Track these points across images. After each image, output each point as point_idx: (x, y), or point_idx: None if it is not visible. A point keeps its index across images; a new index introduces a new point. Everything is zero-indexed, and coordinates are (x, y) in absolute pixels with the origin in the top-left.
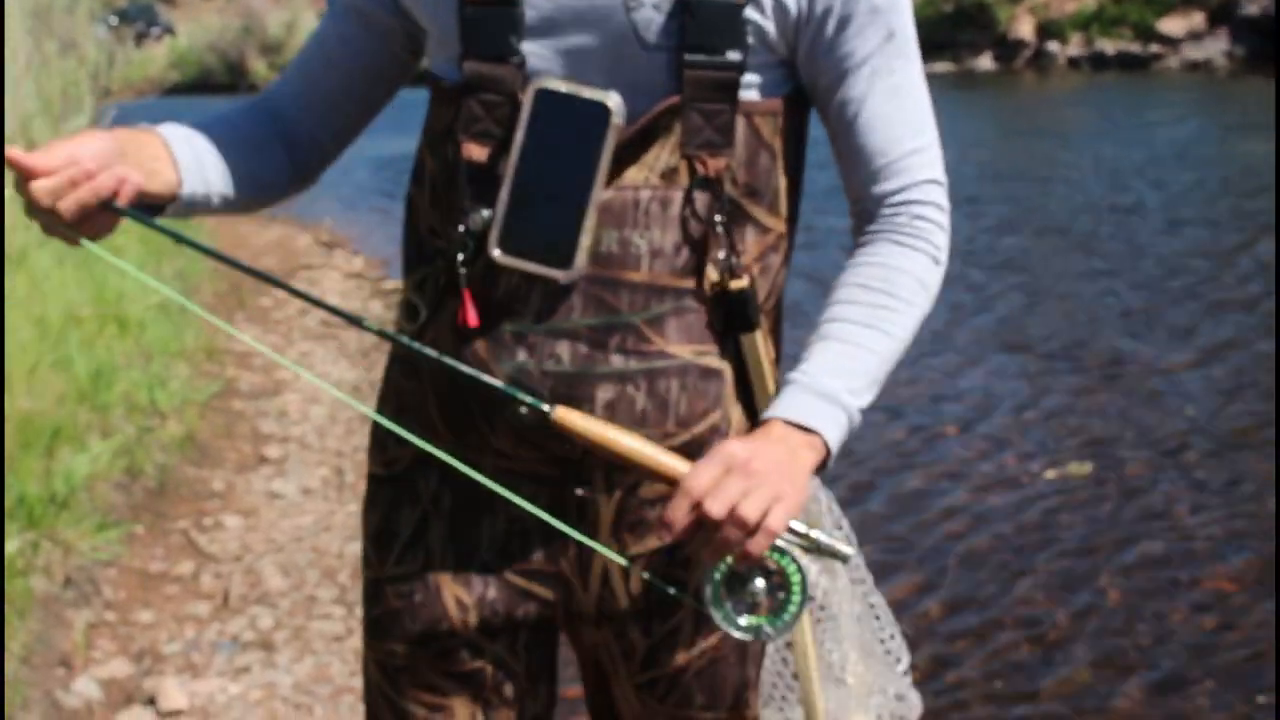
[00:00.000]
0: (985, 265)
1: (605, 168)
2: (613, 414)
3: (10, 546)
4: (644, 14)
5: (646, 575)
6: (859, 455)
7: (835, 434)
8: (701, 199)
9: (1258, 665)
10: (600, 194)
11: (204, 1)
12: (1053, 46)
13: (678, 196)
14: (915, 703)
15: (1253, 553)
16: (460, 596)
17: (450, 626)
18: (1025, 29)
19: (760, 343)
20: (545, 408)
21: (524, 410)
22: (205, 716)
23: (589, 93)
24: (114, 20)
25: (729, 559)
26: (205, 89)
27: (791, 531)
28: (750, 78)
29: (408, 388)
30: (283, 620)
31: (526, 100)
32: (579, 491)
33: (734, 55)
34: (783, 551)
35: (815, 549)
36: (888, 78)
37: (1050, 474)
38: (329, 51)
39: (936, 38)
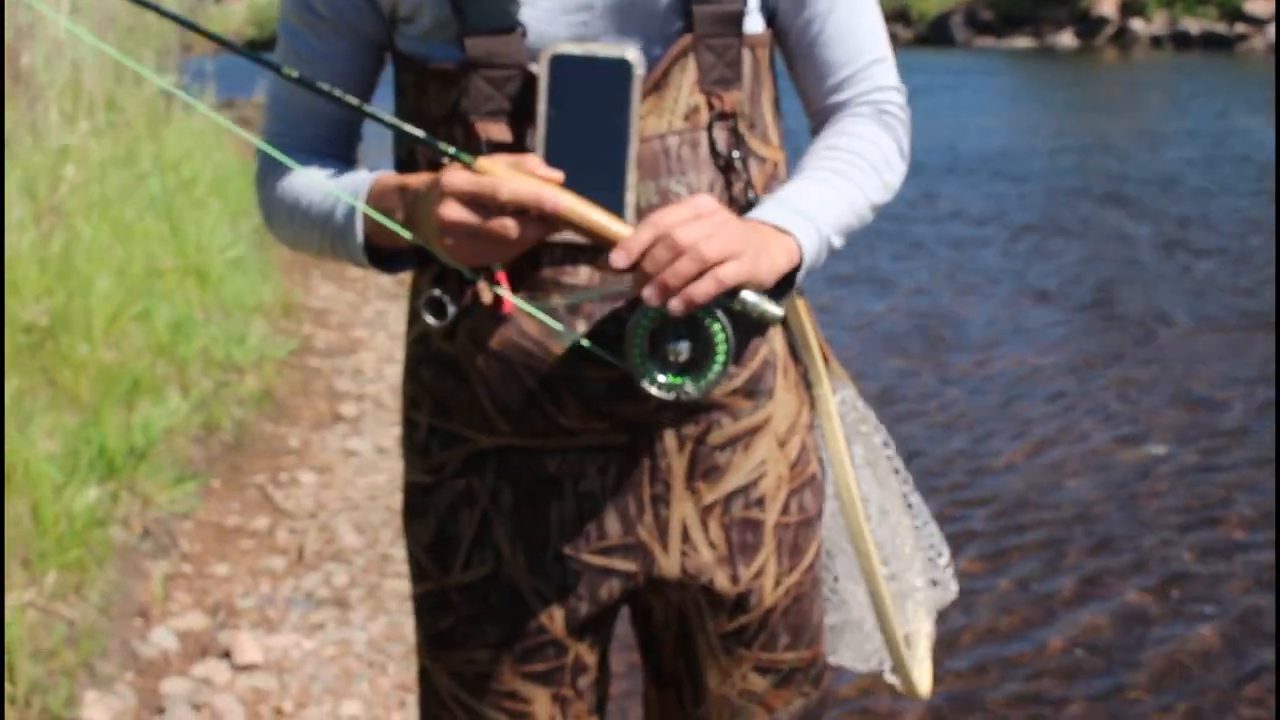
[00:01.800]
0: (1060, 232)
1: (637, 124)
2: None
3: (90, 496)
4: None
5: (588, 343)
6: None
7: (809, 244)
8: (721, 135)
9: None
10: (635, 150)
11: None
12: (1136, 24)
13: (703, 137)
14: (953, 590)
15: None
16: (541, 590)
17: (537, 624)
18: (1108, 6)
19: None
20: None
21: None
22: (279, 671)
23: (605, 50)
24: None
25: (656, 310)
26: None
27: (728, 296)
28: (748, 6)
29: (447, 387)
30: (357, 578)
31: (543, 69)
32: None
33: None
34: (711, 312)
35: (743, 310)
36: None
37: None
38: (320, 78)
39: (1018, 13)
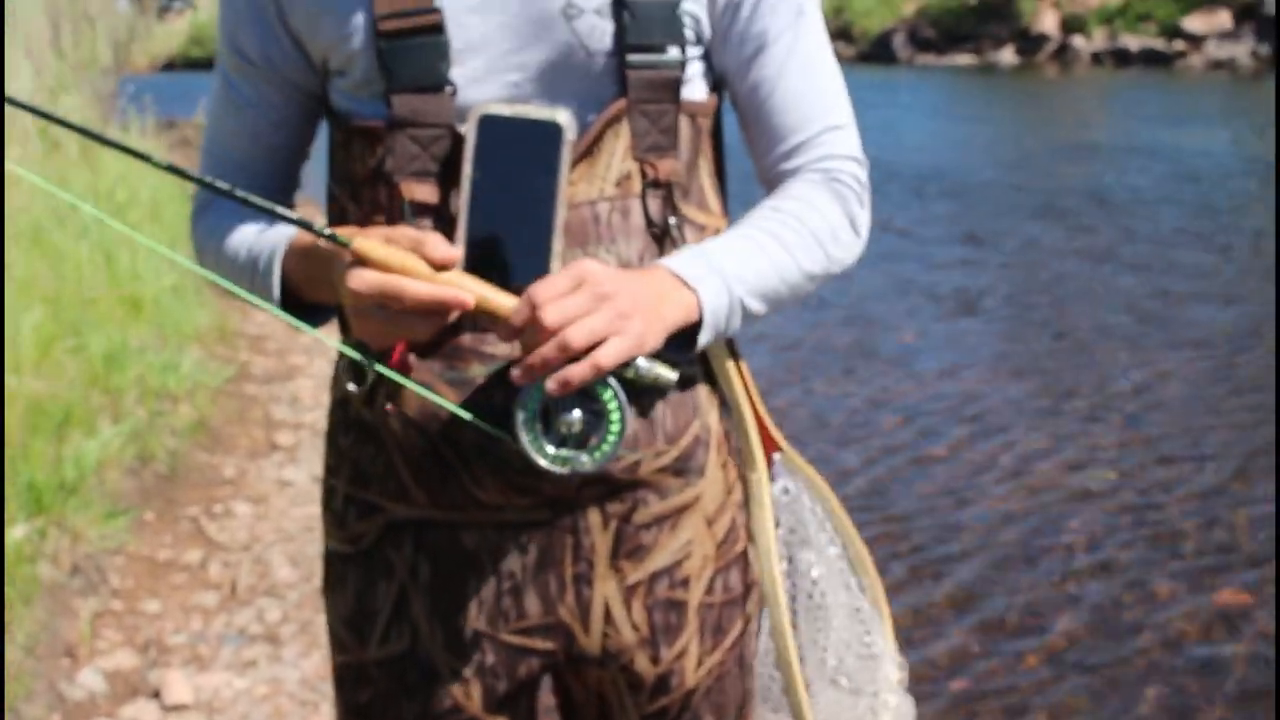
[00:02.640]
0: (994, 248)
1: (565, 189)
2: None
3: (17, 533)
4: (586, 21)
5: (470, 416)
6: (871, 451)
7: (712, 303)
8: (655, 203)
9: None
10: (563, 216)
11: None
12: (1076, 41)
13: (635, 204)
14: (909, 711)
15: (1262, 567)
16: (458, 669)
17: (453, 703)
18: (1049, 23)
19: (721, 341)
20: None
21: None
22: (210, 712)
23: (536, 112)
24: None
25: (546, 385)
26: None
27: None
28: (687, 73)
29: (365, 454)
30: (290, 613)
31: (470, 129)
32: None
33: (674, 52)
34: (605, 384)
35: (635, 377)
36: (801, 55)
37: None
38: (252, 126)
39: (960, 30)
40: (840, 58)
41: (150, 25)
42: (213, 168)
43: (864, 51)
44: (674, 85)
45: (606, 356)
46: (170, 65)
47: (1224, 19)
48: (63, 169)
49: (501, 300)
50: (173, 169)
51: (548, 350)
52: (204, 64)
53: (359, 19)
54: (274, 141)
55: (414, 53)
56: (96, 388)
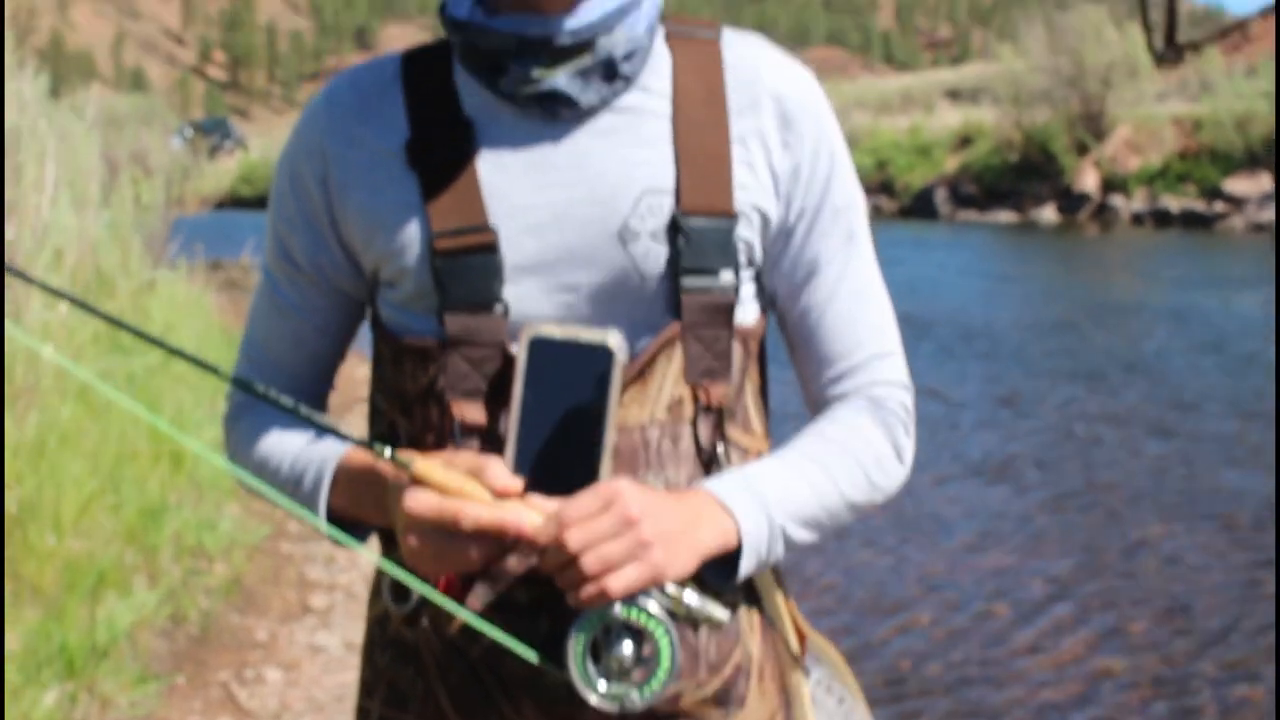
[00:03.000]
0: (1027, 412)
1: (616, 413)
2: None
3: (49, 699)
4: (641, 245)
5: (523, 648)
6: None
7: (751, 530)
8: (705, 429)
9: None
10: (612, 441)
11: (277, 115)
12: (1117, 201)
13: (686, 430)
14: None
15: None
16: None
17: None
18: (1090, 182)
19: (766, 571)
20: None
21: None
22: None
23: (587, 335)
24: (189, 132)
25: (598, 613)
26: None
27: (663, 593)
28: (740, 296)
29: (404, 676)
30: None
31: (521, 351)
32: None
33: (728, 276)
34: (653, 616)
35: (687, 615)
36: (851, 280)
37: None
38: (295, 331)
39: (1001, 187)
40: (882, 213)
41: (202, 165)
42: (252, 369)
43: (905, 206)
44: (728, 310)
45: (617, 584)
46: (220, 204)
47: (1265, 182)
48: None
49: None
50: (238, 382)
51: (567, 578)
52: (253, 203)
53: (414, 234)
54: (316, 348)
55: (468, 272)
56: (133, 545)
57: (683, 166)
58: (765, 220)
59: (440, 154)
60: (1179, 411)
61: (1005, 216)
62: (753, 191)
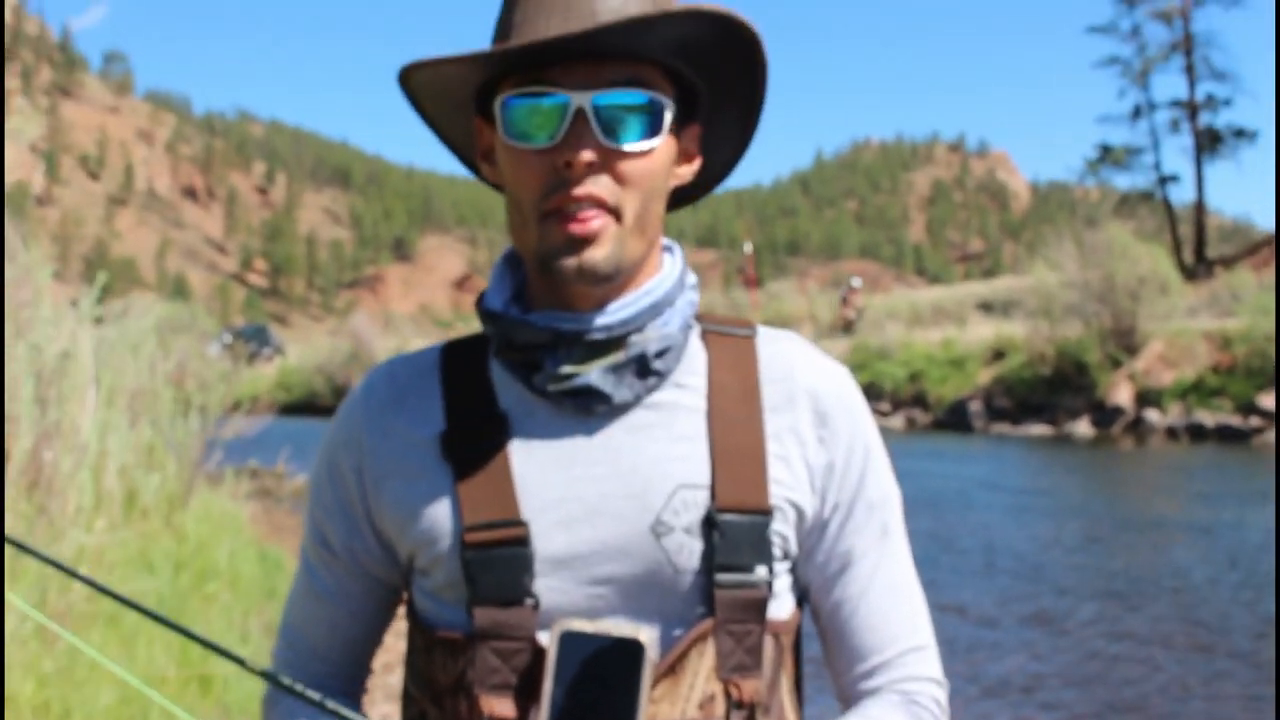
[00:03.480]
0: (1062, 631)
1: (646, 709)
2: None
3: None
4: (674, 539)
5: None
6: None
7: None
8: None
9: None
10: None
11: (315, 323)
12: (1151, 415)
13: None
14: None
15: None
16: None
17: None
18: (1123, 396)
19: None
20: None
21: None
22: None
23: (619, 630)
24: (229, 338)
25: None
26: (310, 410)
27: None
28: (773, 589)
29: None
30: None
31: (551, 645)
32: None
33: (762, 571)
34: None
35: None
36: (885, 575)
37: None
38: (330, 616)
39: (1034, 400)
40: (915, 425)
41: (240, 371)
42: (290, 653)
43: (939, 419)
44: (760, 605)
45: None
46: (253, 409)
47: None
48: (146, 535)
49: None
50: (268, 676)
51: None
52: (290, 409)
53: (447, 525)
54: (351, 634)
55: (498, 565)
56: None
57: (718, 462)
58: (800, 515)
59: (474, 446)
60: (1206, 630)
61: (1039, 430)
62: (788, 487)
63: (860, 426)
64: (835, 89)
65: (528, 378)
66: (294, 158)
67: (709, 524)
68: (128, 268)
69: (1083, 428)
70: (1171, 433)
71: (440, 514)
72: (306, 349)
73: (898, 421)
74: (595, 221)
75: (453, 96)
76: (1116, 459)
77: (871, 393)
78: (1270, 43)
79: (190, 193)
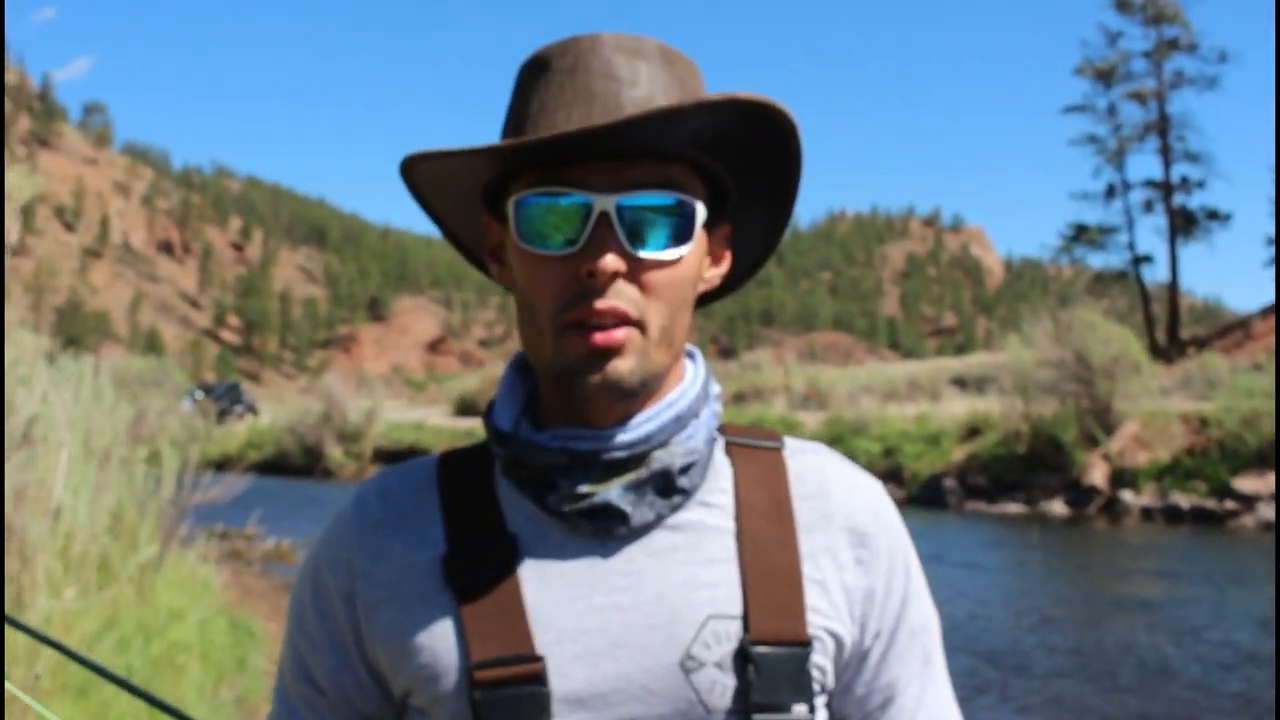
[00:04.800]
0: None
1: None
2: None
3: None
4: (706, 675)
5: None
6: None
7: None
8: None
9: None
10: None
11: (288, 381)
12: (1126, 495)
13: None
14: None
15: None
16: None
17: None
18: (1099, 476)
19: None
20: None
21: None
22: None
23: None
24: (199, 394)
25: None
26: (281, 470)
27: None
28: (815, 707)
29: None
30: None
31: None
32: None
33: (801, 709)
34: None
35: None
36: (929, 708)
37: None
38: None
39: (1009, 479)
40: (891, 499)
41: (211, 428)
42: None
43: (914, 495)
44: None
45: None
46: (218, 466)
47: (1274, 481)
48: (117, 603)
49: None
50: None
51: None
52: (262, 465)
53: (451, 659)
54: None
55: (512, 707)
56: None
57: (750, 589)
58: (839, 645)
59: (481, 571)
60: (1168, 706)
61: (1014, 508)
62: (825, 614)
63: (900, 546)
64: (812, 159)
65: (539, 496)
66: (270, 214)
67: (743, 658)
68: (100, 321)
69: (1058, 507)
70: (1147, 514)
71: (443, 647)
72: (279, 407)
73: None
74: (619, 332)
75: (460, 190)
76: (1091, 539)
77: None
78: (1245, 128)
79: (166, 247)
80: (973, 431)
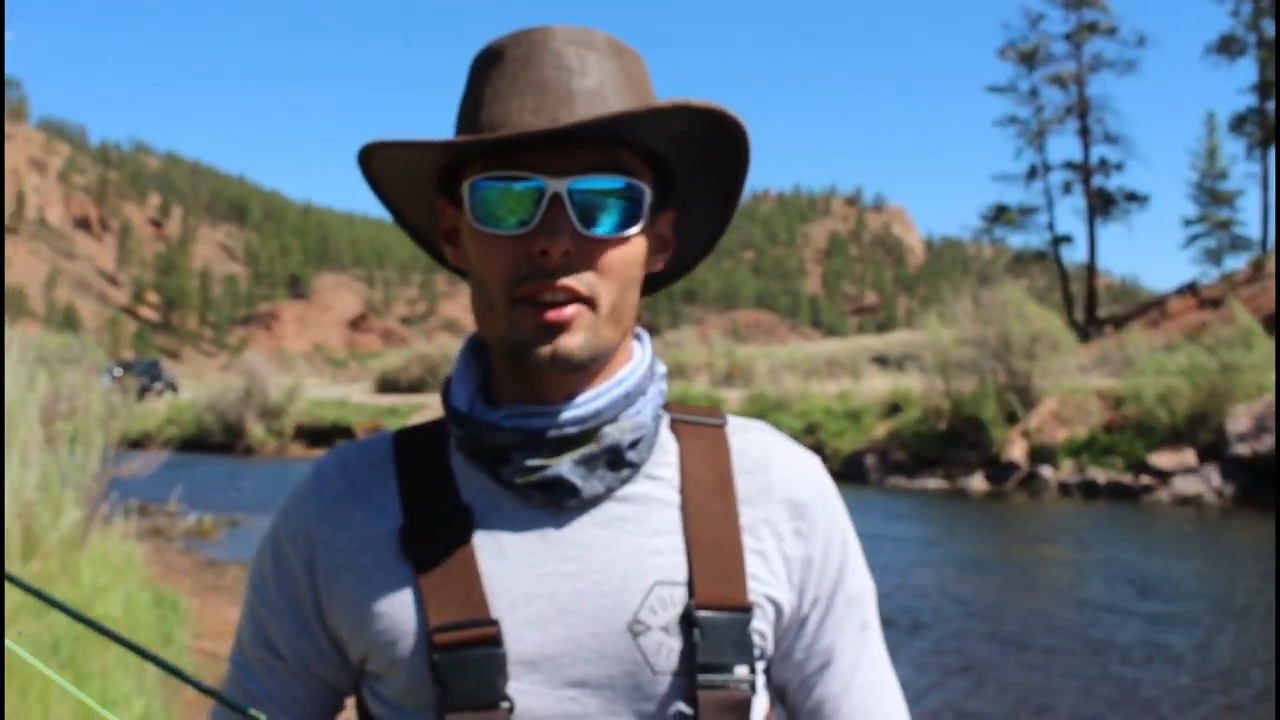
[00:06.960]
0: (945, 671)
1: None
2: None
3: None
4: (652, 638)
5: None
6: None
7: None
8: None
9: None
10: None
11: (207, 358)
12: (1045, 471)
13: None
14: None
15: None
16: None
17: None
18: (1018, 452)
19: None
20: None
21: None
22: None
23: None
24: (118, 371)
25: None
26: (202, 447)
27: None
28: (758, 685)
29: None
30: None
31: None
32: None
33: (743, 670)
34: None
35: None
36: (865, 671)
37: None
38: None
39: (929, 454)
40: None
41: (130, 405)
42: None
43: (836, 470)
44: (745, 705)
45: None
46: (136, 444)
47: (1189, 457)
48: (43, 578)
49: None
50: (209, 691)
51: None
52: (182, 443)
53: (409, 625)
54: None
55: (470, 667)
56: None
57: (695, 557)
58: (779, 611)
59: (437, 542)
60: (1086, 681)
61: (934, 483)
62: (765, 582)
63: (837, 519)
64: None
65: (493, 469)
66: (190, 191)
67: (688, 622)
68: (16, 298)
69: (977, 482)
70: (1064, 489)
71: (402, 613)
72: (199, 385)
73: None
74: (569, 309)
75: (415, 177)
76: (1008, 512)
77: None
78: (1163, 112)
79: (83, 223)
80: (894, 408)
